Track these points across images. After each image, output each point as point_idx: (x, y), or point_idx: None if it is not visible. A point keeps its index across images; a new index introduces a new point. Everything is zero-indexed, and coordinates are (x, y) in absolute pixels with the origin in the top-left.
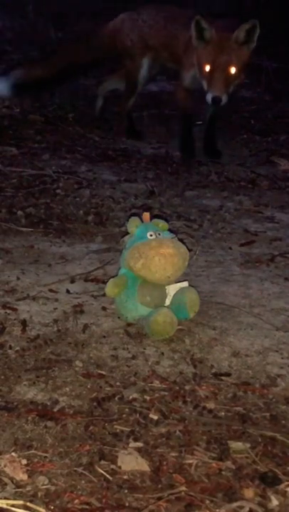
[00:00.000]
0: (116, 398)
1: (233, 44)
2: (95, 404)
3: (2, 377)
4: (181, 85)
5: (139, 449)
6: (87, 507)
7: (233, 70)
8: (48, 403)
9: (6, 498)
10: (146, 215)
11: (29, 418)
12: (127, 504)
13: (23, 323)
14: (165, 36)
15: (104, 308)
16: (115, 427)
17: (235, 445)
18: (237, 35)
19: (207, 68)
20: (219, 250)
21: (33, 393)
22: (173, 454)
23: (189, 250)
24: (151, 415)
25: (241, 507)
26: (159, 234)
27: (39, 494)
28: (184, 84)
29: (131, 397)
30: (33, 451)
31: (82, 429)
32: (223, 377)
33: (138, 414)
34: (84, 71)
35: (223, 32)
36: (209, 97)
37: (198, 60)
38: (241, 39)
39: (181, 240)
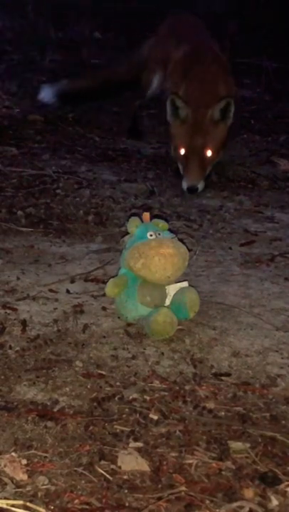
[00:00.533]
0: (116, 398)
1: (208, 124)
2: (95, 404)
3: (2, 377)
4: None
5: (139, 449)
6: (87, 507)
7: (209, 153)
8: (48, 403)
9: (6, 498)
10: (146, 215)
11: (29, 418)
12: (127, 504)
13: (23, 323)
14: (163, 54)
15: (104, 308)
16: (115, 427)
17: (235, 445)
18: (212, 114)
19: (182, 152)
20: (219, 250)
21: (33, 393)
22: (173, 454)
23: (189, 250)
24: (151, 415)
25: (241, 507)
26: (159, 234)
27: (39, 494)
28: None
29: (131, 397)
30: (33, 451)
31: (82, 429)
32: (223, 377)
33: (138, 414)
34: (127, 87)
35: (199, 108)
36: (184, 186)
37: (172, 138)
38: (217, 117)
39: (181, 240)
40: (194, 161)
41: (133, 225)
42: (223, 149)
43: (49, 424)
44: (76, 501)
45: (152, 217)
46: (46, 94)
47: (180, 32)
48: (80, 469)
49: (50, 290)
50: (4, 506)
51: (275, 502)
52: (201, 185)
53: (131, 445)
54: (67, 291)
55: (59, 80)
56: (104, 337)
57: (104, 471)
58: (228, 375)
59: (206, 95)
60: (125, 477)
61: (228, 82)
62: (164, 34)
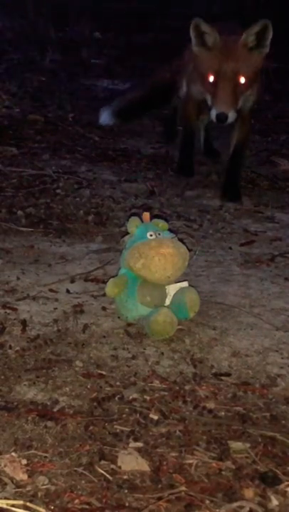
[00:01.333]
0: (116, 398)
1: (241, 49)
2: (95, 404)
3: (2, 377)
4: (188, 97)
5: (139, 449)
6: (87, 507)
7: (242, 80)
8: (48, 403)
9: (6, 498)
10: (146, 215)
11: (29, 418)
12: (127, 504)
13: (23, 323)
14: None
15: (104, 308)
16: (115, 427)
17: (235, 445)
18: (245, 39)
19: (211, 79)
20: (219, 250)
21: (33, 393)
22: (173, 454)
23: (189, 250)
24: (151, 415)
25: (241, 507)
26: (159, 234)
27: (39, 494)
28: (190, 95)
29: (131, 397)
30: (33, 451)
31: (82, 429)
32: (223, 377)
33: (138, 414)
34: (173, 91)
35: (228, 36)
36: (213, 114)
37: (199, 69)
38: (251, 43)
39: (181, 240)
40: (226, 86)
41: (133, 225)
42: (256, 84)
43: (49, 424)
44: (76, 501)
45: (152, 217)
46: (105, 117)
47: None
48: (80, 469)
49: (50, 290)
50: (4, 506)
51: (275, 502)
52: (232, 115)
53: (131, 445)
54: (67, 291)
55: (112, 101)
56: (104, 337)
57: (105, 471)
58: (228, 375)
59: (235, 29)
60: (125, 477)
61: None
62: None
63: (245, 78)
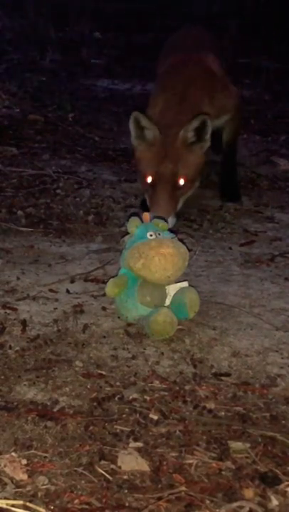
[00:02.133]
0: (116, 398)
1: (180, 146)
2: (95, 404)
3: (2, 377)
4: None
5: (139, 449)
6: (87, 507)
7: (181, 182)
8: (48, 403)
9: (6, 498)
10: (146, 215)
11: (29, 418)
12: (127, 504)
13: (23, 323)
14: (157, 69)
15: (104, 308)
16: (115, 427)
17: (235, 445)
18: (184, 135)
19: (149, 180)
20: (219, 250)
21: (33, 393)
22: (173, 454)
23: (189, 250)
24: (151, 415)
25: (241, 507)
26: (159, 234)
27: (39, 494)
28: None
29: (131, 397)
30: (33, 451)
31: (82, 429)
32: (223, 377)
33: (138, 414)
34: None
35: (169, 129)
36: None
37: (138, 164)
38: (190, 139)
39: (181, 240)
40: (163, 190)
41: (133, 225)
42: (199, 178)
43: (49, 424)
44: (76, 501)
45: (152, 217)
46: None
47: (175, 45)
48: (80, 469)
49: (50, 290)
50: (4, 506)
51: (275, 502)
52: (171, 221)
53: (131, 445)
54: (67, 291)
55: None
56: (104, 337)
57: (104, 471)
58: (228, 375)
59: (182, 113)
60: (125, 477)
61: (217, 98)
62: (164, 48)
63: (185, 179)
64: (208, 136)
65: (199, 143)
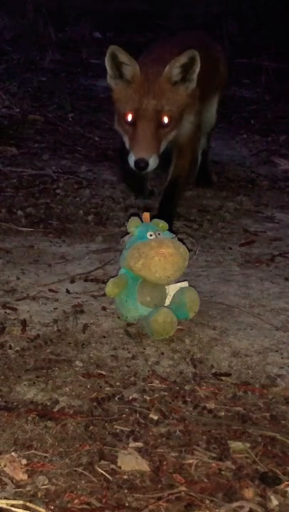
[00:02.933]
0: (116, 398)
1: (164, 84)
2: (95, 404)
3: (2, 377)
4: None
5: (139, 449)
6: (87, 507)
7: (165, 120)
8: (48, 403)
9: (6, 498)
10: (146, 215)
11: (29, 418)
12: (127, 504)
13: (23, 323)
14: None
15: (104, 308)
16: (115, 427)
17: (235, 445)
18: (169, 72)
19: (129, 118)
20: (219, 250)
21: (33, 393)
22: (173, 454)
23: (189, 250)
24: (151, 415)
25: (241, 507)
26: (159, 234)
27: (39, 494)
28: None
29: (131, 397)
30: (33, 451)
31: (82, 429)
32: (223, 377)
33: (138, 414)
34: None
35: (150, 67)
36: (131, 160)
37: (116, 105)
38: (175, 77)
39: (181, 240)
40: (146, 127)
41: (133, 225)
42: (181, 122)
43: (49, 424)
44: (76, 501)
45: (152, 217)
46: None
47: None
48: (80, 469)
49: (50, 290)
50: (4, 506)
51: (275, 502)
52: (153, 161)
53: (131, 445)
54: (67, 291)
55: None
56: (104, 337)
57: (104, 471)
58: (228, 375)
59: (165, 52)
60: (125, 477)
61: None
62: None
63: (169, 118)
64: (195, 76)
65: (184, 83)
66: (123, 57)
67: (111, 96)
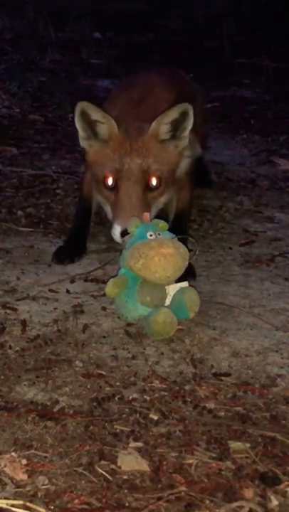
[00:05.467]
0: (116, 398)
1: (149, 141)
2: (95, 404)
3: (2, 377)
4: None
5: (139, 449)
6: (87, 507)
7: (154, 182)
8: (48, 403)
9: (6, 498)
10: (147, 215)
11: (29, 418)
12: (127, 504)
13: (23, 323)
14: None
15: (104, 308)
16: (115, 427)
17: (235, 445)
18: (156, 130)
19: (109, 182)
20: (219, 250)
21: (33, 393)
22: (173, 454)
23: (189, 250)
24: (151, 415)
25: (241, 507)
26: (159, 234)
27: (39, 494)
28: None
29: (131, 397)
30: (33, 451)
31: (82, 429)
32: (223, 377)
33: (138, 414)
34: None
35: (131, 123)
36: (116, 232)
37: (92, 170)
38: (163, 135)
39: (181, 240)
40: (130, 190)
41: (133, 225)
42: (173, 185)
43: (49, 424)
44: (76, 501)
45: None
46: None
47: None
48: (80, 469)
49: (50, 290)
50: (4, 506)
51: (275, 502)
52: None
53: (131, 445)
54: (67, 291)
55: None
56: (104, 337)
57: (104, 471)
58: (228, 375)
59: (147, 112)
60: (125, 477)
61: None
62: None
63: (157, 179)
64: (186, 133)
65: (174, 141)
66: (96, 114)
67: (86, 159)
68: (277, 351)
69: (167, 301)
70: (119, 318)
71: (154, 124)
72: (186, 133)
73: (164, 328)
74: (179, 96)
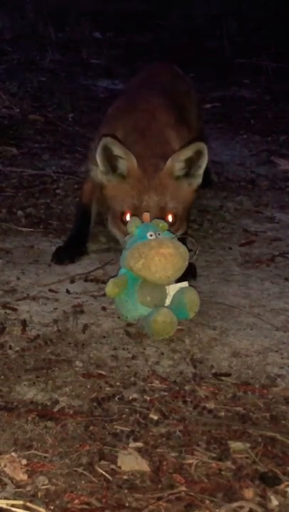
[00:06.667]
0: (116, 398)
1: (165, 179)
2: (95, 404)
3: (2, 377)
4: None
5: (139, 449)
6: (87, 507)
7: (170, 219)
8: (48, 403)
9: (6, 498)
10: (146, 215)
11: (29, 418)
12: (127, 504)
13: (23, 323)
14: None
15: (104, 308)
16: (115, 427)
17: (235, 445)
18: (171, 167)
19: (128, 218)
20: (219, 250)
21: (33, 393)
22: (173, 454)
23: (189, 250)
24: (151, 415)
25: (241, 507)
26: (159, 234)
27: (39, 494)
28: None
29: (131, 397)
30: (33, 451)
31: (82, 429)
32: (223, 377)
33: (138, 414)
34: None
35: (147, 159)
36: None
37: (109, 204)
38: (178, 172)
39: (181, 240)
40: None
41: (133, 225)
42: (187, 223)
43: (49, 424)
44: (76, 501)
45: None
46: None
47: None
48: (80, 469)
49: (50, 290)
50: (4, 506)
51: (275, 502)
52: None
53: (131, 445)
54: (67, 291)
55: None
56: (104, 337)
57: (104, 471)
58: (228, 375)
59: (156, 144)
60: (125, 477)
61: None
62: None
63: (173, 216)
64: (201, 172)
65: (187, 178)
66: (118, 150)
67: (104, 195)
68: (277, 351)
69: (167, 301)
70: (119, 318)
71: (169, 161)
72: (201, 171)
73: (164, 328)
74: (178, 117)
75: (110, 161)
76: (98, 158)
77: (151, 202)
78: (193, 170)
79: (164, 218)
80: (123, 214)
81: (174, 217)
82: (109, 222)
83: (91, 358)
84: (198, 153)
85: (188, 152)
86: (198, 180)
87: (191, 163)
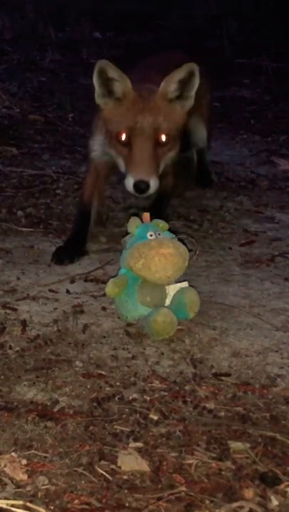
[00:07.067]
0: (116, 398)
1: (160, 101)
2: (95, 404)
3: (2, 377)
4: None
5: (139, 449)
6: (87, 507)
7: (163, 138)
8: (48, 403)
9: (6, 498)
10: (147, 215)
11: (29, 418)
12: (127, 504)
13: (23, 323)
14: None
15: (104, 308)
16: (115, 427)
17: (235, 445)
18: (165, 88)
19: (123, 138)
20: (219, 250)
21: (33, 393)
22: (173, 454)
23: (189, 250)
24: (151, 415)
25: (241, 507)
26: (159, 234)
27: (39, 494)
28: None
29: (131, 397)
30: (33, 451)
31: (82, 429)
32: (223, 377)
33: (138, 414)
34: None
35: (143, 83)
36: (130, 183)
37: (106, 126)
38: (171, 94)
39: (181, 240)
40: (143, 146)
41: (133, 225)
42: (179, 142)
43: (49, 424)
44: (76, 501)
45: (152, 217)
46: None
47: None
48: (80, 469)
49: (50, 290)
50: (4, 506)
51: (275, 502)
52: (154, 183)
53: (131, 445)
54: (67, 291)
55: None
56: (104, 337)
57: (104, 471)
58: (228, 375)
59: (157, 73)
60: (125, 477)
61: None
62: None
63: (166, 136)
64: (193, 93)
65: (180, 101)
66: (113, 72)
67: (101, 117)
68: (277, 351)
69: (167, 301)
70: (119, 318)
71: (163, 83)
72: (192, 92)
73: (164, 328)
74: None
75: (106, 84)
76: (95, 81)
77: (146, 123)
78: (185, 92)
79: (158, 138)
80: (119, 134)
81: (167, 136)
82: (106, 143)
83: (91, 358)
84: (191, 74)
85: (181, 73)
86: (190, 102)
87: (183, 84)
